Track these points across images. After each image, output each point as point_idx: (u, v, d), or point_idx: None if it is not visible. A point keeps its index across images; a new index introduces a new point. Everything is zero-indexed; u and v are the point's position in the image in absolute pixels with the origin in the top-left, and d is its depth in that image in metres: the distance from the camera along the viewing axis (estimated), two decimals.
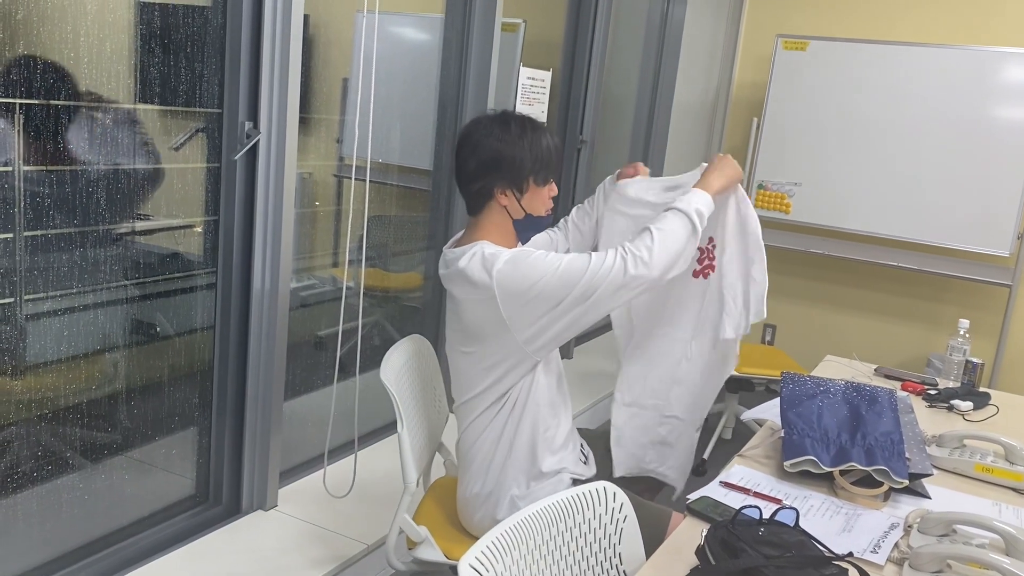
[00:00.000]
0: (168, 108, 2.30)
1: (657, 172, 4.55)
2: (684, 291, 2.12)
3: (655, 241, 1.76)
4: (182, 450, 2.50)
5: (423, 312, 3.57)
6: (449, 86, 3.33)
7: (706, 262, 2.09)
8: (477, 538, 1.92)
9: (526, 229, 1.97)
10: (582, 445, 2.10)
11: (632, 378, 2.19)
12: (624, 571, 1.46)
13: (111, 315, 2.25)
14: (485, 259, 1.77)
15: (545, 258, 1.76)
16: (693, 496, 1.65)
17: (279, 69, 2.34)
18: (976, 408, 2.37)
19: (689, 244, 1.81)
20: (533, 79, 3.57)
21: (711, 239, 2.08)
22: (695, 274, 2.10)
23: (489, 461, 1.93)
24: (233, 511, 2.56)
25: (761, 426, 2.12)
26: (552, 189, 1.93)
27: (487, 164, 1.85)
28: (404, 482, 1.92)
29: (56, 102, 2.01)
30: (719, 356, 2.13)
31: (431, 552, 1.92)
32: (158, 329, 2.42)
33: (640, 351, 2.19)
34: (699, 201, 1.84)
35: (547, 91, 3.69)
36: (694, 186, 1.90)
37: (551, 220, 2.03)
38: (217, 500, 2.54)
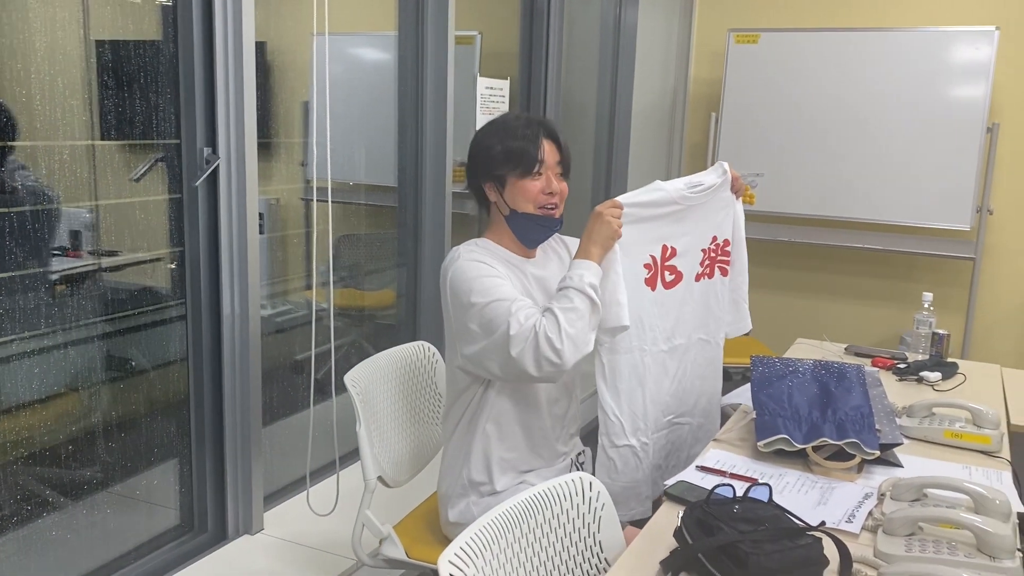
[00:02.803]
0: (126, 141, 2.30)
1: (622, 174, 4.59)
2: (690, 294, 2.10)
3: (562, 324, 1.67)
4: (164, 481, 2.49)
5: (399, 328, 3.58)
6: (408, 101, 3.35)
7: (718, 260, 2.14)
8: (444, 537, 1.95)
9: (536, 229, 1.88)
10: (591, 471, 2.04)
11: (664, 395, 2.09)
12: (605, 558, 1.48)
13: (82, 353, 2.25)
14: (453, 256, 1.81)
15: (494, 288, 1.73)
16: (670, 481, 1.67)
17: (234, 94, 2.36)
18: (945, 378, 2.41)
19: (592, 319, 1.74)
20: (491, 88, 3.60)
21: (726, 240, 2.12)
22: (697, 277, 2.10)
23: (450, 463, 1.94)
24: (220, 538, 2.55)
25: (735, 411, 2.15)
26: (541, 183, 1.83)
27: (471, 158, 1.89)
28: (363, 479, 1.95)
29: (10, 143, 2.01)
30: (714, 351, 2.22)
31: (393, 550, 1.94)
32: (132, 364, 2.41)
33: (668, 364, 2.09)
34: (589, 275, 1.75)
35: (507, 99, 3.72)
36: (575, 257, 1.80)
37: (561, 223, 1.91)
38: (203, 528, 2.53)
